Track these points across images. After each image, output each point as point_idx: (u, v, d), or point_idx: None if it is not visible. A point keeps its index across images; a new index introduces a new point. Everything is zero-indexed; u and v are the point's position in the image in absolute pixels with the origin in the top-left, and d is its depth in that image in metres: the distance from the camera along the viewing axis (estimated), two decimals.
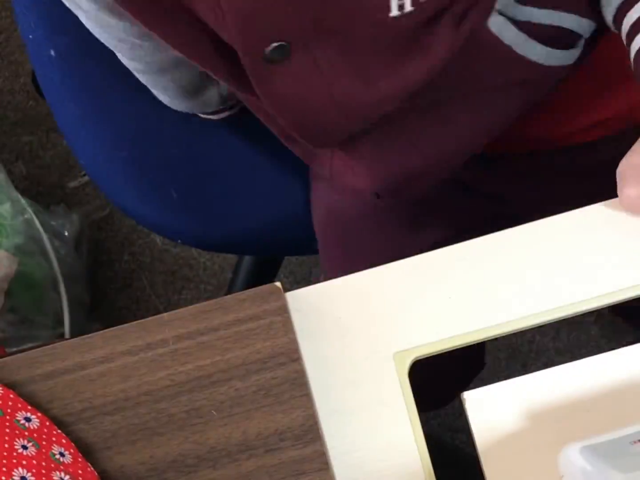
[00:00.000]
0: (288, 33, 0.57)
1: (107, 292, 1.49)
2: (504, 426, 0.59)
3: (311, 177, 0.91)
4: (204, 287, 1.48)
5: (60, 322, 1.31)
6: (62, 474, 0.55)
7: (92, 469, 0.58)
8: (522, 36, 0.65)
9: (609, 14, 0.64)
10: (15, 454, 0.55)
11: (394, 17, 0.56)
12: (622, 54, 0.66)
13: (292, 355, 0.60)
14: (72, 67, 0.84)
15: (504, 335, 0.61)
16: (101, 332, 0.61)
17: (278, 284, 0.61)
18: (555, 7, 0.65)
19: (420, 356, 0.61)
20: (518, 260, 0.62)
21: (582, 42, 0.69)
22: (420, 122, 0.71)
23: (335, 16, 0.57)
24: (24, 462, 0.55)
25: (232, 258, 1.44)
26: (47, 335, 1.28)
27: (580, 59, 0.70)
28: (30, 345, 1.23)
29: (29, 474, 0.54)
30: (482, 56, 0.65)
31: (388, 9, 0.55)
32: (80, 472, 0.57)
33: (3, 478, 0.54)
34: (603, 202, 0.62)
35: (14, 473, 0.54)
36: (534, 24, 0.65)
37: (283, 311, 0.60)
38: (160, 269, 1.49)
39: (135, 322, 0.61)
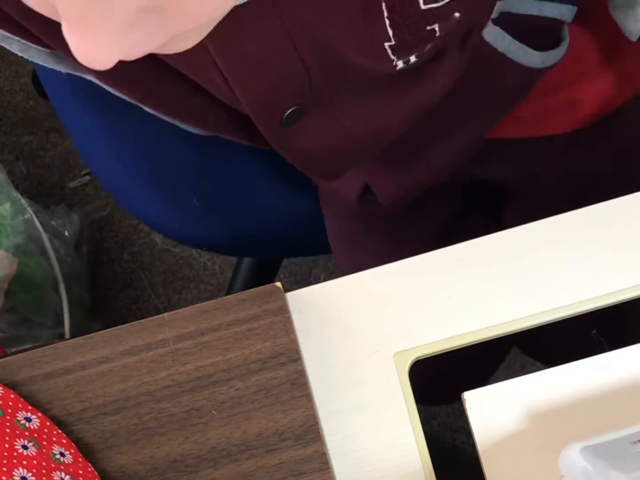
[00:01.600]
0: (302, 98, 0.58)
1: (107, 292, 1.49)
2: (504, 426, 0.59)
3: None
4: (204, 287, 1.48)
5: (60, 322, 1.31)
6: (63, 474, 0.55)
7: (92, 469, 0.58)
8: (515, 43, 0.66)
9: (635, 30, 0.64)
10: (15, 454, 0.55)
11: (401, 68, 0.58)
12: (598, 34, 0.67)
13: (292, 356, 0.60)
14: (83, 81, 0.84)
15: (504, 335, 0.62)
16: (101, 332, 0.61)
17: (278, 284, 0.61)
18: None
19: (420, 356, 0.61)
20: (518, 260, 0.62)
21: (566, 32, 0.70)
22: (422, 137, 0.72)
23: (344, 74, 0.58)
24: (25, 462, 0.55)
25: (232, 258, 1.44)
26: (47, 335, 1.28)
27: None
28: (30, 345, 1.24)
29: (29, 474, 0.54)
30: (479, 66, 0.66)
31: (395, 66, 0.57)
32: (80, 472, 0.57)
33: (3, 478, 0.54)
34: (603, 203, 0.62)
35: (14, 473, 0.54)
36: (518, 19, 0.65)
37: (283, 311, 0.60)
38: (160, 269, 1.49)
39: (135, 322, 0.61)
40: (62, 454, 0.57)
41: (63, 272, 1.32)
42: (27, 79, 1.57)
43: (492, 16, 0.64)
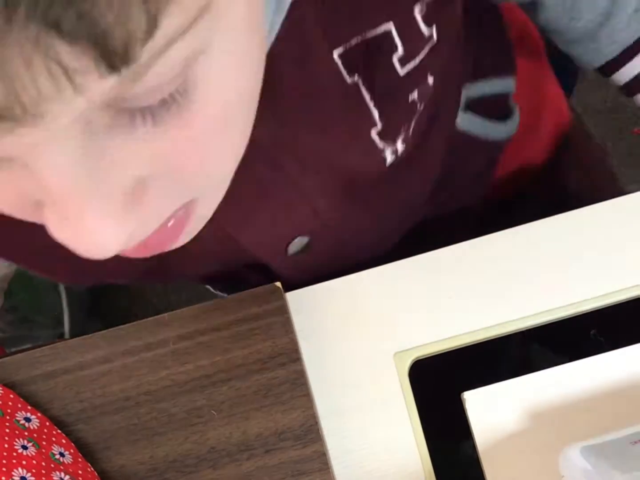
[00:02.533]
0: (306, 231, 0.60)
1: (107, 292, 1.49)
2: (504, 426, 0.59)
3: None
4: (204, 287, 1.48)
5: (60, 322, 1.31)
6: (62, 474, 0.55)
7: (92, 469, 0.58)
8: (486, 122, 0.69)
9: (597, 61, 0.65)
10: (15, 454, 0.55)
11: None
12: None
13: (292, 356, 0.60)
14: None
15: (504, 335, 0.61)
16: (101, 332, 0.61)
17: (278, 284, 0.61)
18: (485, 77, 0.69)
19: (420, 356, 0.61)
20: (518, 260, 0.62)
21: (512, 102, 0.73)
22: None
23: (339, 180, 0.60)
24: (24, 462, 0.55)
25: None
26: (47, 335, 1.28)
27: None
28: (30, 345, 1.23)
29: (29, 474, 0.54)
30: (455, 152, 0.68)
31: (384, 158, 0.57)
32: (80, 472, 0.57)
33: (3, 478, 0.54)
34: (603, 203, 0.62)
35: (14, 473, 0.54)
36: (477, 101, 0.68)
37: (283, 311, 0.60)
38: None
39: (135, 322, 0.61)
40: (61, 454, 0.57)
41: None
42: None
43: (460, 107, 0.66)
